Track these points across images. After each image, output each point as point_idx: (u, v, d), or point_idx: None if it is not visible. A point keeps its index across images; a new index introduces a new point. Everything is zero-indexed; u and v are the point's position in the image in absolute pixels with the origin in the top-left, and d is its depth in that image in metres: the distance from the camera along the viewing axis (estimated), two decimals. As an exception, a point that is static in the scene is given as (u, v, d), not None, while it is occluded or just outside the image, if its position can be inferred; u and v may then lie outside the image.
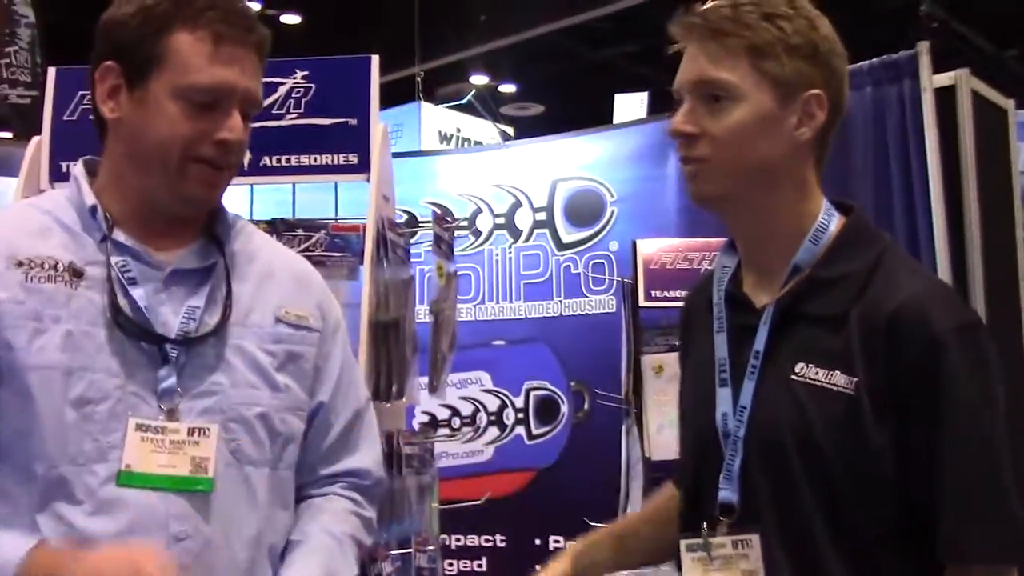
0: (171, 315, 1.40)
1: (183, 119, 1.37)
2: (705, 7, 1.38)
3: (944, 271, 3.92)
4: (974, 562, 1.27)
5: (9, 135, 5.45)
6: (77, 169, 1.47)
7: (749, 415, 1.35)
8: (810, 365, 1.32)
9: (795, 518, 1.31)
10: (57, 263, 1.37)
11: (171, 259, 1.43)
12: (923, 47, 4.02)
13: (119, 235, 1.41)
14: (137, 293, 1.38)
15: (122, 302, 1.37)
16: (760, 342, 1.36)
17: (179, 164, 1.38)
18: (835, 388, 1.30)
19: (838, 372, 1.30)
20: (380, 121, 2.65)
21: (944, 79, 4.03)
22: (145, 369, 1.37)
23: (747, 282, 1.43)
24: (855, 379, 1.29)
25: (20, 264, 1.36)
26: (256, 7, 7.46)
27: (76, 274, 1.38)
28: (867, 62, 4.18)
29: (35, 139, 2.68)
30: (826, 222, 1.38)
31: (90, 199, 1.42)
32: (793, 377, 1.33)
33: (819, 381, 1.31)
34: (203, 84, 1.37)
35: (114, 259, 1.39)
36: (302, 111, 2.62)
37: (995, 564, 1.29)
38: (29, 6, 5.03)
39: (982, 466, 1.27)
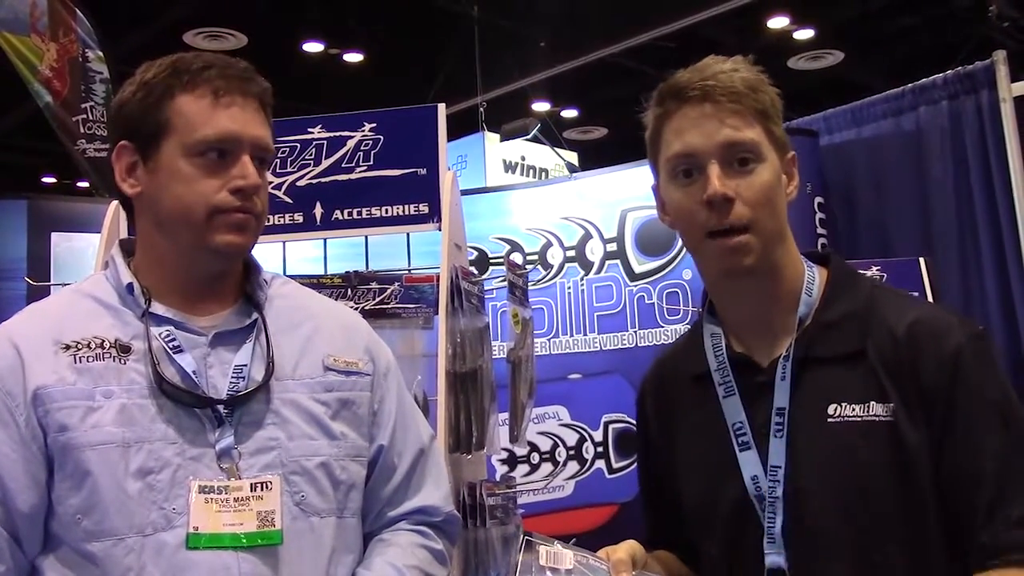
0: (220, 377, 1.42)
1: (199, 176, 1.41)
2: (709, 70, 1.33)
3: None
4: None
5: (86, 184, 5.60)
6: (114, 250, 1.52)
7: (785, 473, 1.30)
8: (844, 404, 1.29)
9: (869, 564, 1.26)
10: (103, 341, 1.40)
11: (213, 323, 1.46)
12: (999, 56, 3.91)
13: (158, 308, 1.44)
14: (185, 360, 1.41)
15: (170, 371, 1.40)
16: (782, 397, 1.32)
17: (205, 220, 1.40)
18: (877, 419, 1.28)
19: (873, 402, 1.28)
20: (448, 167, 2.65)
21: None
22: (201, 433, 1.39)
23: (738, 346, 1.40)
24: (891, 404, 1.27)
25: (67, 347, 1.39)
26: (319, 48, 7.59)
27: (123, 350, 1.41)
28: (941, 75, 4.08)
29: (113, 203, 2.73)
30: (812, 274, 1.39)
31: (126, 277, 1.46)
32: (830, 420, 1.29)
33: (859, 416, 1.28)
34: (210, 136, 1.40)
35: (156, 331, 1.42)
36: (371, 163, 2.63)
37: None
38: (103, 62, 5.17)
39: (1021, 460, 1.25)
